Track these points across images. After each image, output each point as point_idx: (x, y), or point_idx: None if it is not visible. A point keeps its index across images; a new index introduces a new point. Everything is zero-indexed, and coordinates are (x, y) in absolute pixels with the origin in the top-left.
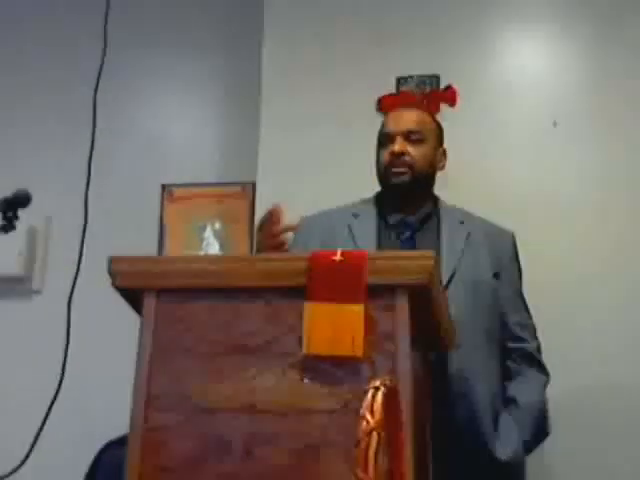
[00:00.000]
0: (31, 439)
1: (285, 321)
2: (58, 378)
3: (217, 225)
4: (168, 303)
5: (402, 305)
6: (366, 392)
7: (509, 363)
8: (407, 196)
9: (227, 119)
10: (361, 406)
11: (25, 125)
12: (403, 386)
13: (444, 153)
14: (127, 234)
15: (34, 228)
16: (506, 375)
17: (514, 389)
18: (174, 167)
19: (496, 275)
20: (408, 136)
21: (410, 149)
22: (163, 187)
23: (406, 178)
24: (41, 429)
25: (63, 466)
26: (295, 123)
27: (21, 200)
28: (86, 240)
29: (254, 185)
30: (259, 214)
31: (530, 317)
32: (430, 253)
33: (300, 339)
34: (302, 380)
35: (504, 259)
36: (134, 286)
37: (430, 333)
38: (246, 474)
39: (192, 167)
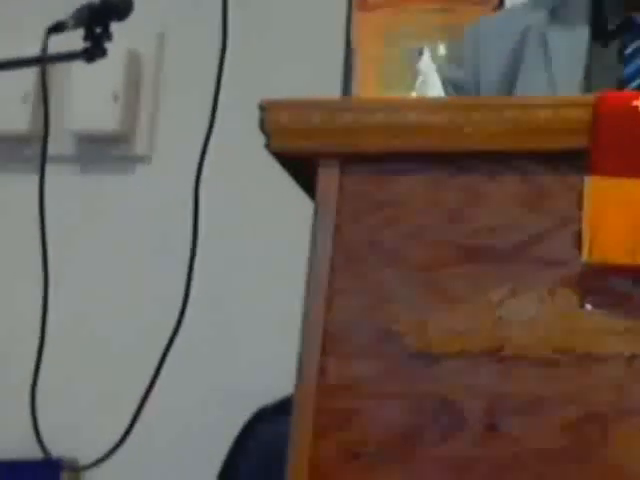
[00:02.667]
0: (136, 401)
1: (553, 208)
2: (179, 303)
3: (441, 49)
4: (359, 179)
5: None
6: None
7: None
8: None
9: None
10: None
11: None
12: None
13: None
14: (290, 64)
15: (136, 54)
16: None
17: None
18: None
19: None
20: None
21: None
22: None
23: None
24: (151, 386)
25: (185, 446)
26: None
27: (116, 8)
28: (225, 74)
29: None
30: None
31: None
32: None
33: (579, 238)
34: (582, 307)
35: None
36: (302, 150)
37: None
38: (487, 462)
39: None
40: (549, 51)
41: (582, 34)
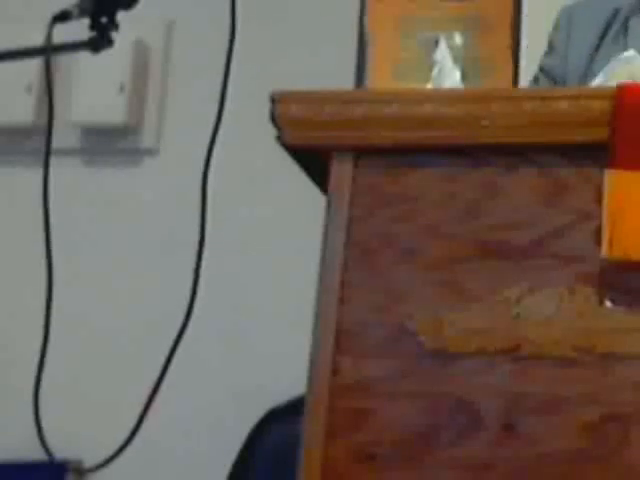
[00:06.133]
0: (142, 401)
1: (572, 202)
2: (186, 300)
3: (457, 39)
4: (373, 172)
5: None
6: None
7: None
8: None
9: None
10: None
11: None
12: None
13: None
14: (301, 55)
15: (144, 45)
16: None
17: None
18: None
19: None
20: None
21: None
22: None
23: None
24: (157, 386)
25: (193, 447)
26: None
27: None
28: (234, 64)
29: None
30: (531, 21)
31: None
32: None
33: (598, 233)
34: (602, 304)
35: None
36: (314, 143)
37: None
38: (503, 463)
39: None
40: (628, 36)
41: None
